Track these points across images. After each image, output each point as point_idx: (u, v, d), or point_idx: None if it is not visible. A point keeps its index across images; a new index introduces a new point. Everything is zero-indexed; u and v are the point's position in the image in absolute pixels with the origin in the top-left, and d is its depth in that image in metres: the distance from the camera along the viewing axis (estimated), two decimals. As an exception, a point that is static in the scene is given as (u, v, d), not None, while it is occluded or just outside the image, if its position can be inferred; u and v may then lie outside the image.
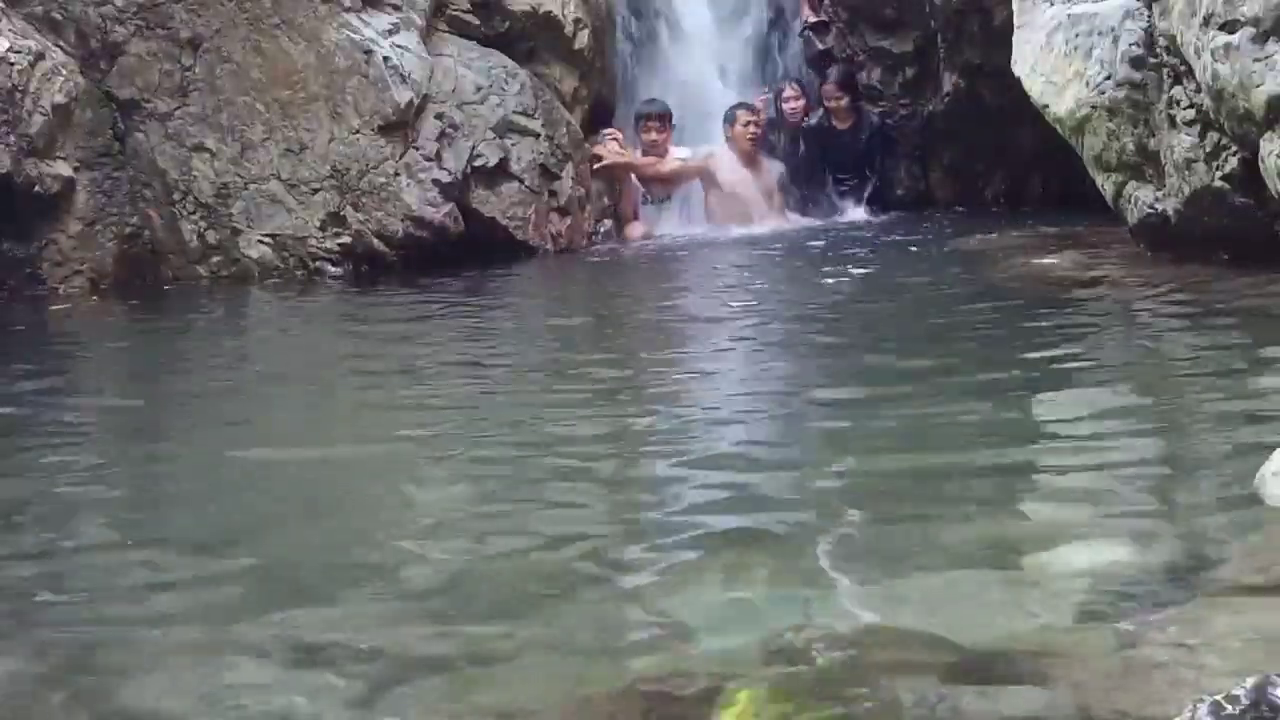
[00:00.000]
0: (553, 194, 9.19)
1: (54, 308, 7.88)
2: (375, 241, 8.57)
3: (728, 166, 9.99)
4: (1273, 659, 2.09)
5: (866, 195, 10.39)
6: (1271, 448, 3.01)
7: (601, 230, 9.72)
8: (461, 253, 8.56)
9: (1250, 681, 1.66)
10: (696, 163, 10.06)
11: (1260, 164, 5.53)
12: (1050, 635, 2.32)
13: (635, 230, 9.86)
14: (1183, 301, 5.63)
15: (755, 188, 10.04)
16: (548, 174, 9.14)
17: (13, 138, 7.95)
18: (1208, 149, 5.96)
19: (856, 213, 10.23)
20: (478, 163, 8.84)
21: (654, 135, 9.94)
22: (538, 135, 9.11)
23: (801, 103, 10.49)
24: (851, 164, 10.39)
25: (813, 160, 10.40)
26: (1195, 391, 4.28)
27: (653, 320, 6.76)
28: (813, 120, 10.46)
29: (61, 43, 8.43)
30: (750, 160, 10.03)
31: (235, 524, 3.40)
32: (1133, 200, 6.61)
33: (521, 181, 9.00)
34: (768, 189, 10.11)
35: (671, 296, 7.68)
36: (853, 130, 10.41)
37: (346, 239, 8.55)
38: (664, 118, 10.02)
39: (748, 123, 9.99)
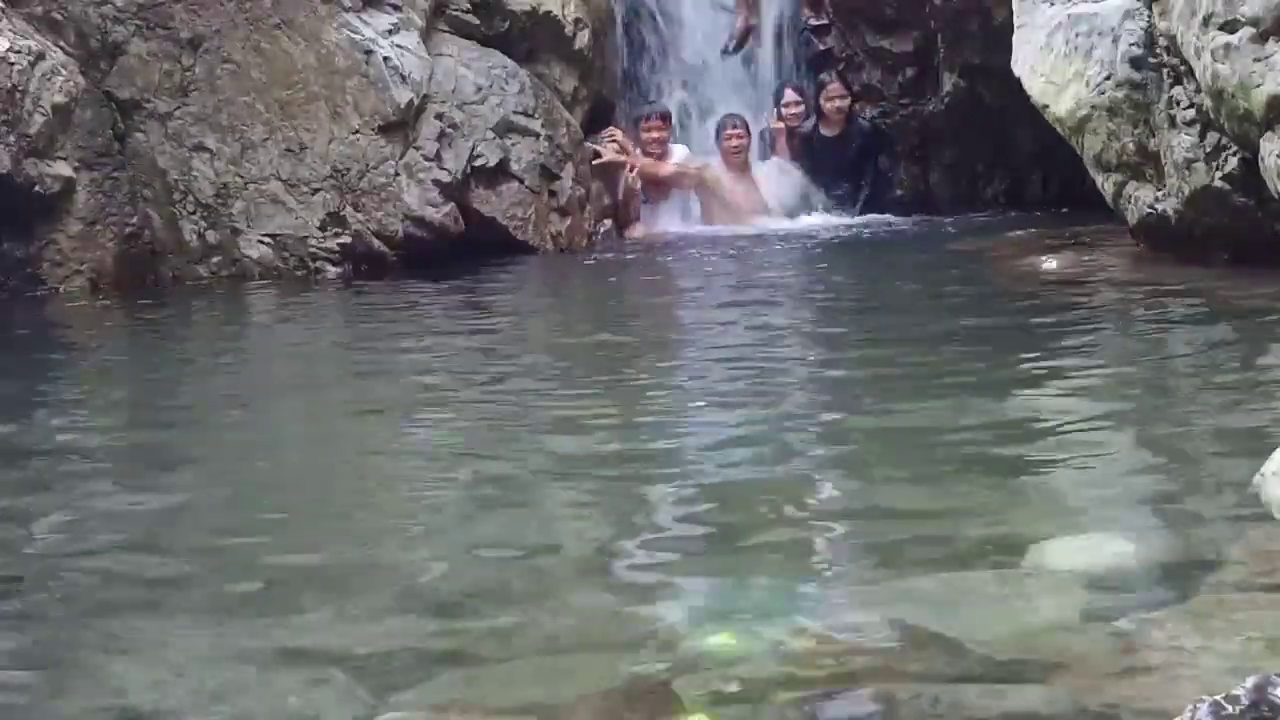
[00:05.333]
0: (553, 194, 9.19)
1: (54, 308, 7.88)
2: (375, 241, 8.57)
3: (722, 177, 10.00)
4: (1273, 659, 2.09)
5: (861, 201, 10.35)
6: (1271, 448, 3.01)
7: (601, 230, 9.71)
8: (461, 253, 8.56)
9: (1250, 681, 1.66)
10: (694, 170, 10.06)
11: (1260, 164, 5.53)
12: (1050, 634, 2.32)
13: (635, 230, 9.86)
14: (1183, 301, 5.63)
15: (749, 197, 10.05)
16: (548, 174, 9.14)
17: (13, 138, 7.94)
18: (1208, 149, 5.97)
19: (854, 217, 10.19)
20: (478, 163, 8.84)
21: (654, 134, 9.94)
22: (538, 135, 9.11)
23: (801, 109, 10.44)
24: (845, 170, 10.35)
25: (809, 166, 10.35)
26: (1195, 391, 4.28)
27: (652, 320, 6.76)
28: (805, 127, 10.40)
29: (61, 43, 8.43)
30: (741, 171, 10.04)
31: (237, 525, 3.40)
32: (1133, 200, 6.61)
33: (521, 181, 9.00)
34: (761, 198, 10.11)
35: (671, 297, 7.68)
36: (842, 136, 10.38)
37: (346, 239, 8.55)
38: (664, 117, 10.04)
39: (729, 136, 10.00)
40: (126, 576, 3.01)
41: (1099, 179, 6.84)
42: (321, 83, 8.58)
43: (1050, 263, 6.97)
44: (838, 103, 10.31)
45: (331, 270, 8.51)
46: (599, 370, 5.26)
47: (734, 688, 2.19)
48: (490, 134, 8.91)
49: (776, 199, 10.20)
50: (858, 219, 10.09)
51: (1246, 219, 5.95)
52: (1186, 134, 6.06)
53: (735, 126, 10.03)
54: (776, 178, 10.26)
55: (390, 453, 4.16)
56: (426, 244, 8.60)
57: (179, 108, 8.63)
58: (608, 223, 9.81)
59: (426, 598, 2.77)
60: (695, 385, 4.92)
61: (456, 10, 9.16)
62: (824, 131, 10.36)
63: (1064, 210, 8.89)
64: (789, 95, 10.43)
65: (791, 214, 10.17)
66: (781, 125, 10.37)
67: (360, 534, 3.28)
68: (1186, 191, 6.13)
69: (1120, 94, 6.38)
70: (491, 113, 8.94)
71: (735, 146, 9.98)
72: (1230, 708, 1.64)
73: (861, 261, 8.19)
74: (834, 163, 10.31)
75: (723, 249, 9.02)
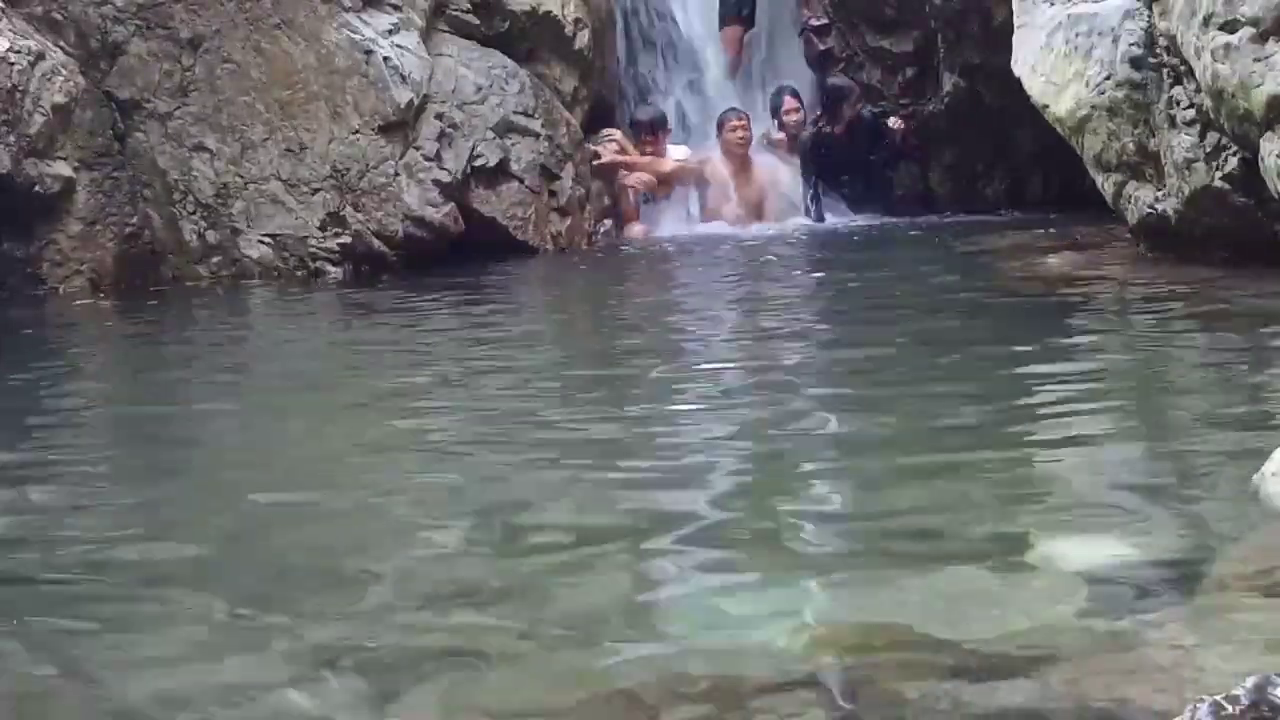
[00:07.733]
0: (553, 194, 9.19)
1: (54, 308, 7.88)
2: (375, 241, 8.57)
3: (723, 170, 10.01)
4: (1273, 659, 2.09)
5: (873, 193, 10.31)
6: (1271, 448, 3.01)
7: (601, 230, 9.71)
8: (461, 253, 8.56)
9: (1250, 681, 1.66)
10: (693, 165, 10.07)
11: (1260, 164, 5.53)
12: (1050, 634, 2.32)
13: (635, 230, 9.87)
14: (1183, 301, 5.63)
15: (750, 191, 10.05)
16: (548, 174, 9.14)
17: (13, 138, 7.95)
18: (1208, 149, 5.97)
19: (858, 214, 10.18)
20: (478, 163, 8.85)
21: (648, 149, 9.96)
22: (538, 135, 9.11)
23: (801, 114, 10.43)
24: (856, 166, 10.34)
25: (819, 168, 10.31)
26: (1195, 391, 4.28)
27: (652, 321, 6.76)
28: (807, 132, 10.37)
29: (61, 43, 8.43)
30: (742, 164, 10.04)
31: (238, 526, 3.40)
32: (1133, 200, 6.61)
33: (521, 181, 9.00)
34: (762, 192, 10.11)
35: (670, 297, 7.67)
36: (848, 133, 10.37)
37: (346, 239, 8.55)
38: (657, 125, 10.04)
39: (735, 128, 10.01)
40: (127, 574, 3.01)
41: (1099, 179, 6.84)
42: (321, 83, 8.59)
43: (1050, 263, 6.97)
44: (794, 116, 10.36)
45: (331, 270, 8.51)
46: (598, 371, 5.26)
47: (735, 688, 2.19)
48: (490, 134, 8.91)
49: (779, 192, 10.19)
50: (858, 220, 10.07)
51: (1246, 219, 5.94)
52: (1186, 134, 6.06)
53: (739, 118, 10.05)
54: (778, 170, 10.23)
55: (391, 453, 4.16)
56: (426, 244, 8.60)
57: (179, 108, 8.64)
58: (608, 223, 9.82)
59: (427, 598, 2.77)
60: (694, 385, 4.92)
61: (456, 10, 9.16)
62: (832, 129, 10.35)
63: (1064, 210, 8.89)
64: (788, 103, 10.43)
65: (796, 207, 10.15)
66: (783, 136, 10.38)
67: (361, 533, 3.28)
68: (1186, 191, 6.13)
69: (1120, 94, 6.38)
70: (491, 113, 8.95)
71: (740, 138, 9.99)
72: (1230, 708, 1.64)
73: (861, 261, 8.18)
74: (843, 158, 10.28)
75: (723, 249, 9.02)
